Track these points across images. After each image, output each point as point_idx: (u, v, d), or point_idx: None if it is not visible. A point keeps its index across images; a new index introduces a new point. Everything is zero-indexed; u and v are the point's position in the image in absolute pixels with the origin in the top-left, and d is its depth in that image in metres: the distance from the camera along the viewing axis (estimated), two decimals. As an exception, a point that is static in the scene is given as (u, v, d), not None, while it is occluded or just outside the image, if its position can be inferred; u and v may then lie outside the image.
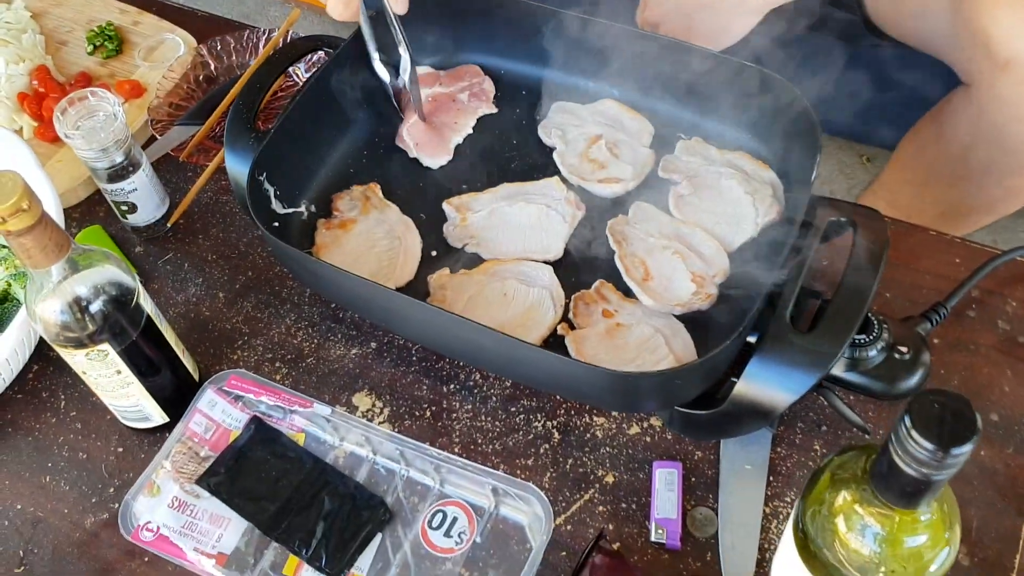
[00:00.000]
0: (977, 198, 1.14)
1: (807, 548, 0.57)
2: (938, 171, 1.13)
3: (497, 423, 0.84)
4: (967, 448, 0.45)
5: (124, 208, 0.94)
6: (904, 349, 0.76)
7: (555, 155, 0.94)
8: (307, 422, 0.83)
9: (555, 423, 0.83)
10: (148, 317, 0.76)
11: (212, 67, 1.11)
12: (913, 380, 0.76)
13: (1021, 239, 1.61)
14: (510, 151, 0.97)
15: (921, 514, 0.51)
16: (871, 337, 0.75)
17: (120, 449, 0.85)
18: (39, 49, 1.13)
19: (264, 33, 1.12)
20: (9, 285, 0.90)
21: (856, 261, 0.75)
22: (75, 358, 0.74)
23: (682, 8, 0.98)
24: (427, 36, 1.01)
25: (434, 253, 0.89)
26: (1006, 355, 0.85)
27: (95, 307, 0.71)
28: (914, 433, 0.45)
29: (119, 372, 0.76)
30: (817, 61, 1.36)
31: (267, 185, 0.86)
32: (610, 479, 0.80)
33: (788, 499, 0.78)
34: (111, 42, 1.14)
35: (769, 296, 0.74)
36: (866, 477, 0.52)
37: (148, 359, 0.79)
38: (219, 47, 1.11)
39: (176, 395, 0.83)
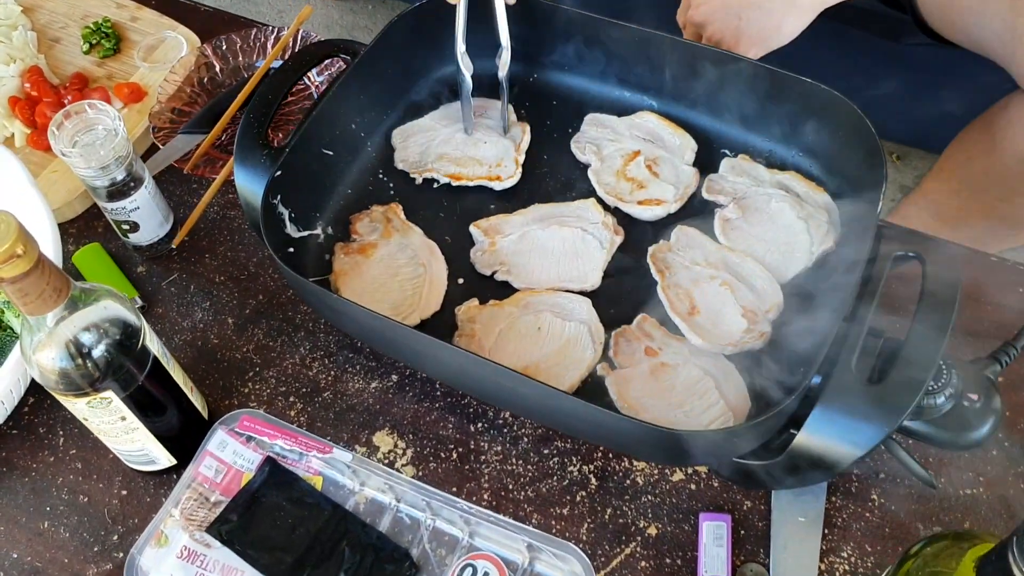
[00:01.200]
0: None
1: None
2: (990, 182, 1.06)
3: (529, 467, 0.78)
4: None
5: (126, 227, 0.87)
6: (974, 396, 0.70)
7: (590, 172, 0.87)
8: (325, 465, 0.77)
9: (592, 467, 0.77)
10: (155, 358, 0.70)
11: (217, 68, 1.04)
12: (984, 430, 0.71)
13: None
14: (541, 168, 0.90)
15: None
16: (939, 384, 0.69)
17: (124, 492, 0.79)
18: (31, 48, 1.06)
19: (273, 32, 1.05)
20: (2, 312, 0.83)
21: (928, 302, 0.68)
22: (76, 406, 0.68)
23: (730, 7, 0.91)
24: (447, 39, 0.93)
25: (460, 280, 0.83)
26: (1076, 396, 0.79)
27: (97, 352, 0.65)
28: (1047, 552, 0.39)
29: (123, 419, 0.70)
30: (860, 58, 1.29)
31: (281, 208, 0.80)
32: (653, 531, 0.74)
33: (844, 554, 0.73)
34: (108, 40, 1.07)
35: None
36: (970, 577, 0.46)
37: (154, 402, 0.72)
38: (224, 47, 1.04)
39: (184, 436, 0.77)
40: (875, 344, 0.72)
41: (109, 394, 0.67)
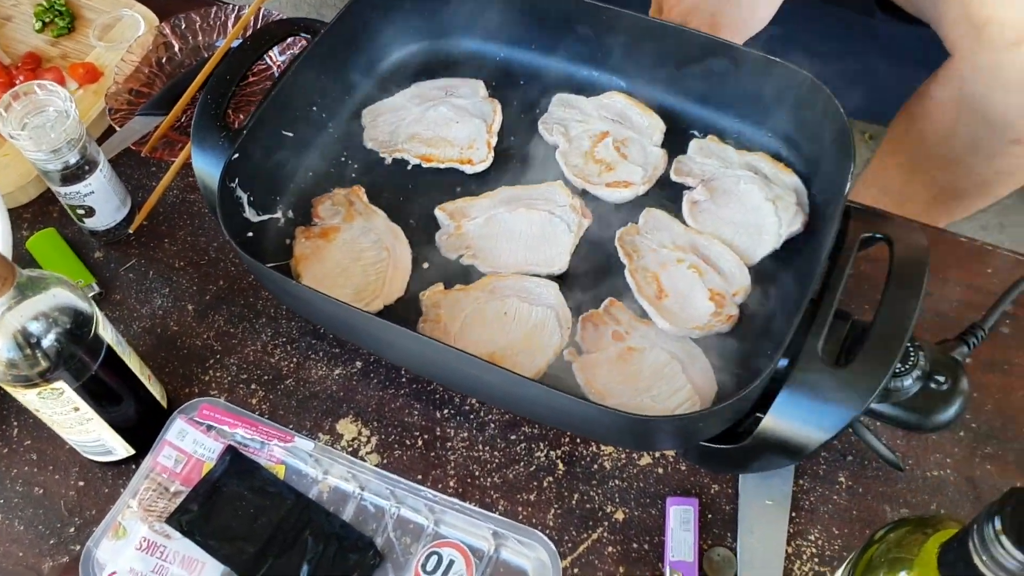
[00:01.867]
0: (968, 179, 1.07)
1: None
2: (927, 152, 1.05)
3: (496, 453, 0.77)
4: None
5: (81, 212, 0.85)
6: (941, 379, 0.70)
7: (557, 154, 0.85)
8: (287, 453, 0.76)
9: (559, 453, 0.77)
10: (108, 347, 0.68)
11: (176, 48, 1.01)
12: (950, 412, 0.70)
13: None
14: (508, 149, 0.88)
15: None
16: (906, 367, 0.69)
17: (81, 483, 0.77)
18: (-18, 26, 1.02)
19: (234, 10, 1.02)
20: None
21: (895, 284, 0.68)
22: (26, 397, 0.66)
23: (703, 6, 0.90)
24: (412, 17, 0.91)
25: (426, 265, 0.81)
26: (1042, 376, 0.79)
27: (47, 342, 0.63)
28: (1005, 541, 0.39)
29: (77, 409, 0.68)
30: (825, 38, 1.28)
31: (239, 192, 0.78)
32: (620, 516, 0.74)
33: (812, 537, 0.73)
34: (62, 18, 1.03)
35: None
36: (931, 564, 0.45)
37: (109, 391, 0.70)
38: (183, 25, 1.01)
39: (142, 426, 0.75)
40: (842, 327, 0.71)
41: (61, 384, 0.65)
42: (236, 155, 0.75)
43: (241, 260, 0.81)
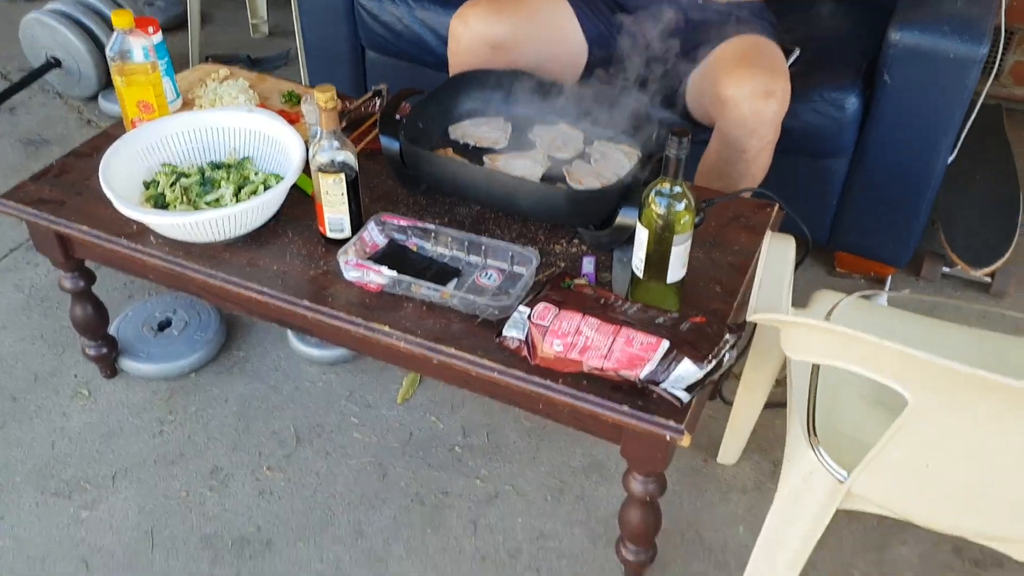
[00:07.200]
0: (738, 181, 2.09)
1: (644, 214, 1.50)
2: (716, 166, 2.11)
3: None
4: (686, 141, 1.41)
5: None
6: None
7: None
8: (419, 240, 1.73)
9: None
10: (356, 178, 1.68)
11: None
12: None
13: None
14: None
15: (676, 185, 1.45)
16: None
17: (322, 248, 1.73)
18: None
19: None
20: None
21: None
22: (327, 180, 1.65)
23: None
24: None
25: (478, 176, 1.84)
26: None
27: (339, 160, 1.64)
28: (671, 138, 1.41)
29: (342, 194, 1.66)
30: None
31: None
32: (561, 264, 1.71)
33: (644, 275, 1.70)
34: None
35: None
36: (655, 183, 1.46)
37: (359, 193, 1.69)
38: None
39: (356, 221, 1.73)
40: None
41: (341, 177, 1.64)
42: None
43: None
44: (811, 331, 1.21)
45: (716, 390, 2.06)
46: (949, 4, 2.12)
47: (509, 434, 2.06)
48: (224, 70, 2.22)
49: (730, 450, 1.88)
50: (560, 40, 2.21)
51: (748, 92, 1.92)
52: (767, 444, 1.99)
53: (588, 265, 1.71)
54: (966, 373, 0.98)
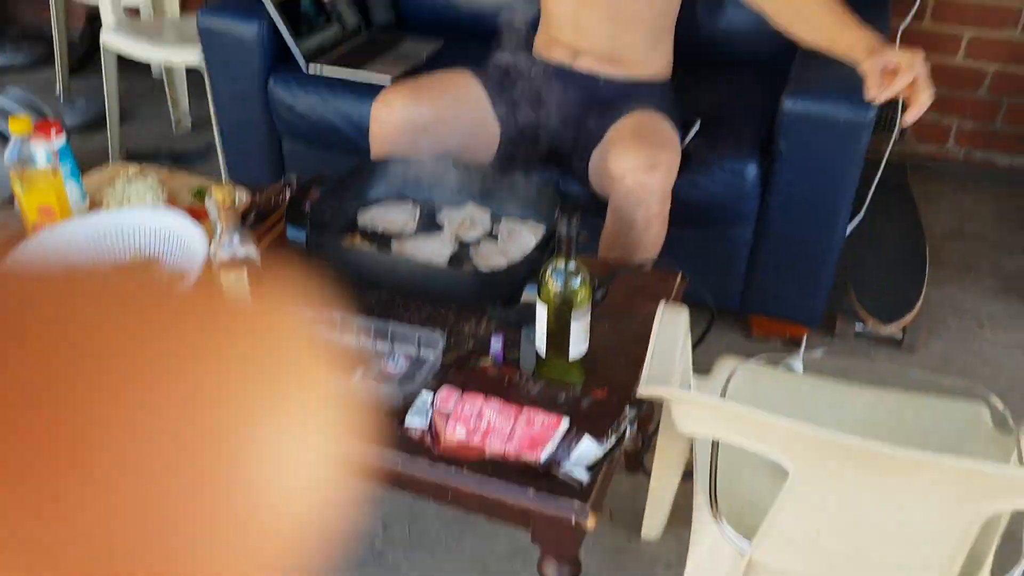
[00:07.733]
0: (632, 251, 2.16)
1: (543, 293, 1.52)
2: (608, 242, 2.16)
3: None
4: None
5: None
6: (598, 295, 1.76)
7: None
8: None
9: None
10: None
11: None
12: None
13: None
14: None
15: (571, 261, 1.48)
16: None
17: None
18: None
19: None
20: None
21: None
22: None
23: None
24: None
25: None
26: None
27: (240, 255, 1.64)
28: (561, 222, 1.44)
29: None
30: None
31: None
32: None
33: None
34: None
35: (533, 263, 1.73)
36: (551, 261, 1.49)
37: (256, 288, 1.69)
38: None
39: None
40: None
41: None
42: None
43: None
44: (696, 406, 1.23)
45: (639, 463, 2.06)
46: (838, 72, 2.23)
47: (432, 524, 2.03)
48: (134, 168, 2.22)
49: (653, 524, 1.87)
50: (478, 121, 2.26)
51: (632, 166, 1.99)
52: (689, 516, 1.99)
53: (496, 344, 1.71)
54: (834, 442, 1.00)
